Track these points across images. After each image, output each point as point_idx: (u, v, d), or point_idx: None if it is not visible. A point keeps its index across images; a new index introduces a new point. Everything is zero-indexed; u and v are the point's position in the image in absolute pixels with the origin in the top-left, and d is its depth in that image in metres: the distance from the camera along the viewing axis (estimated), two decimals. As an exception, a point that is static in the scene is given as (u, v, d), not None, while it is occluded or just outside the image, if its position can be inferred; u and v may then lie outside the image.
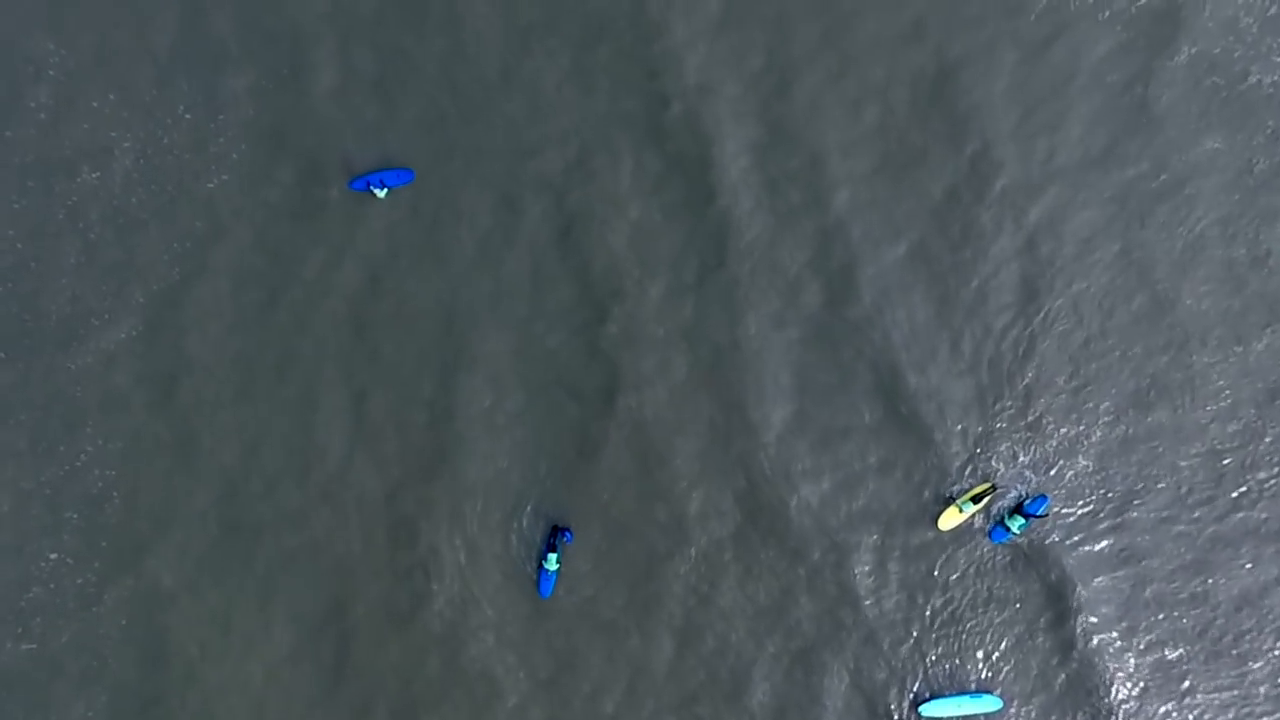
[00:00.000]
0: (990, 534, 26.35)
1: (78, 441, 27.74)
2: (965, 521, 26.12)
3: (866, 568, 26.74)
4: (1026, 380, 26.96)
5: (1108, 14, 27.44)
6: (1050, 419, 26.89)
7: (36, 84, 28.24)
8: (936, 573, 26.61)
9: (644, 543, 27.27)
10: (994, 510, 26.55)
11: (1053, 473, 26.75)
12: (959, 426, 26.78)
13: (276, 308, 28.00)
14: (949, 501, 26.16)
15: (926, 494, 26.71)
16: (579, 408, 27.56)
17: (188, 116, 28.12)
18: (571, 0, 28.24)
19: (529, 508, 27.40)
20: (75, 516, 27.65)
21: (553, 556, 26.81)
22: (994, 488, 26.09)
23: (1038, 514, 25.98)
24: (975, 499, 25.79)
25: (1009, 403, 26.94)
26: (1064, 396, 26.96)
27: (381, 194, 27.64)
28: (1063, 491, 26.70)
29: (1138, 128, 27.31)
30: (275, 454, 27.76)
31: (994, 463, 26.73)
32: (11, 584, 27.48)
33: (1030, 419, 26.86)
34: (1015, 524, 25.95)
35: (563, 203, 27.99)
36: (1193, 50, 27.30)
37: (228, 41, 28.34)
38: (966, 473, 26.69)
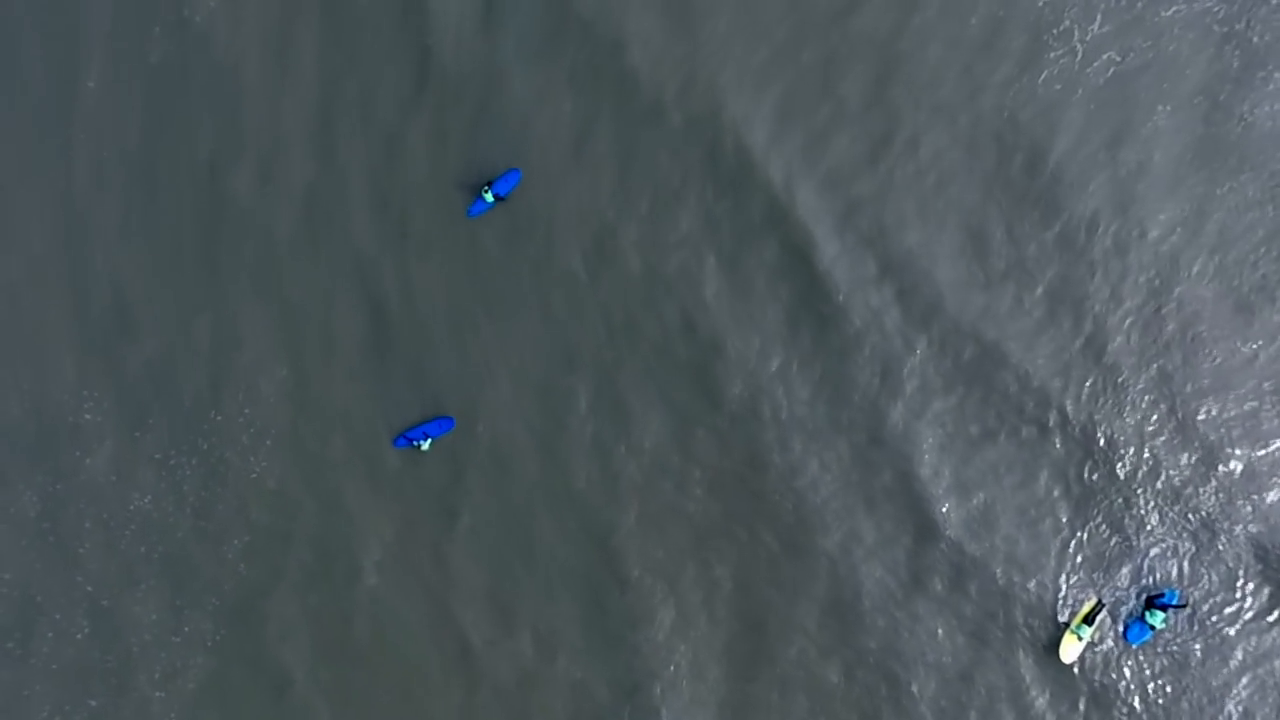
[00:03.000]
0: (1126, 636, 25.36)
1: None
2: (1086, 647, 25.36)
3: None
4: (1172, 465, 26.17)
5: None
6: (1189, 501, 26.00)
7: (90, 443, 28.80)
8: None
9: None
10: (1123, 612, 25.67)
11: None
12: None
13: (359, 578, 28.06)
14: (1062, 630, 25.46)
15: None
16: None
17: (219, 419, 28.52)
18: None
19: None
20: None
21: None
22: (1100, 602, 25.36)
23: (1175, 604, 25.04)
24: (1087, 619, 25.05)
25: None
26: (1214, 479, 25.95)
27: (425, 446, 27.84)
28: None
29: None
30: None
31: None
32: None
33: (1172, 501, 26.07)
34: (1157, 619, 24.91)
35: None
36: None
37: (253, 333, 28.80)
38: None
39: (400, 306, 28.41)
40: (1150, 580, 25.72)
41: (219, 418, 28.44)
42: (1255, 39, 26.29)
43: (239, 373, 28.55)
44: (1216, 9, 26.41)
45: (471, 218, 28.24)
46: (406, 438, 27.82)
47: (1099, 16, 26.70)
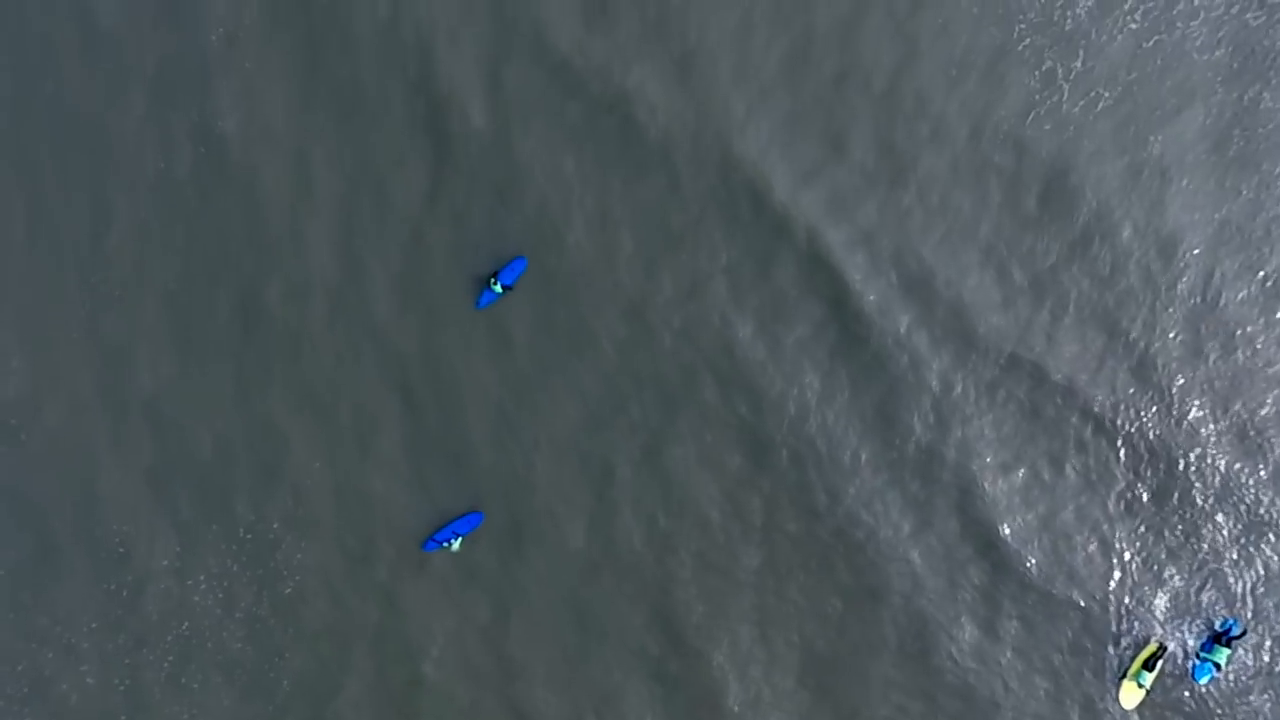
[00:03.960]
0: (1193, 675, 24.80)
1: None
2: (1148, 694, 24.86)
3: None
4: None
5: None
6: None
7: (120, 562, 28.98)
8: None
9: None
10: (1188, 650, 25.20)
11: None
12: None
13: (419, 676, 27.78)
14: (1121, 676, 24.96)
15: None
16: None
17: (248, 537, 28.64)
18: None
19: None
20: None
21: None
22: (1162, 646, 24.87)
23: (1237, 635, 24.58)
24: (1147, 665, 24.57)
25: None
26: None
27: (456, 546, 27.70)
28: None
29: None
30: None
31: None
32: None
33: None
34: (1222, 656, 24.45)
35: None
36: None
37: (285, 443, 28.86)
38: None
39: (431, 401, 28.47)
40: (1212, 613, 25.32)
41: (248, 536, 28.51)
42: (1235, 64, 26.43)
43: (274, 484, 28.61)
44: (1196, 36, 26.58)
45: (480, 309, 28.50)
46: (435, 540, 27.74)
47: (1081, 54, 26.98)
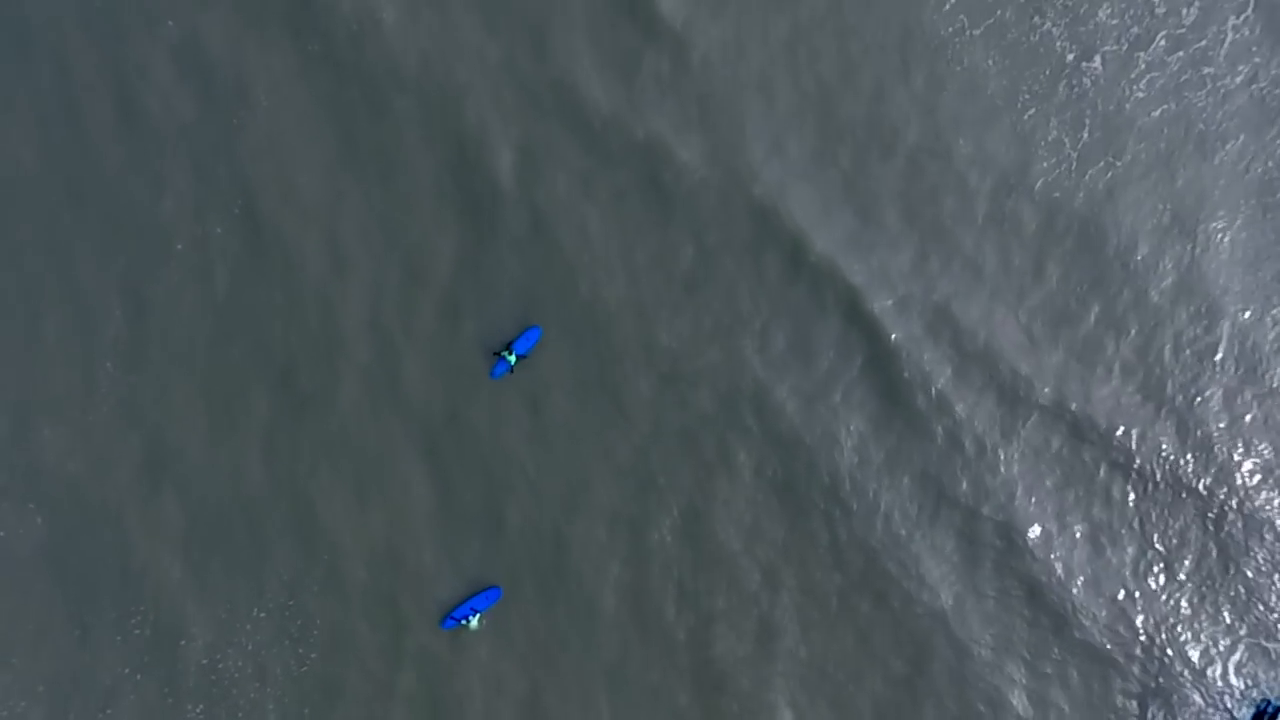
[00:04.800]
0: None
1: None
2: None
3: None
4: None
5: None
6: None
7: (148, 642, 28.74)
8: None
9: None
10: None
11: None
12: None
13: None
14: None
15: None
16: None
17: (262, 615, 28.32)
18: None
19: None
20: None
21: None
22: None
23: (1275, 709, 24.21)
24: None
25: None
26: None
27: (474, 623, 27.46)
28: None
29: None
30: None
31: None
32: None
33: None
34: None
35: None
36: None
37: (317, 519, 28.67)
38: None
39: (459, 469, 28.36)
40: (1253, 688, 24.97)
41: (262, 615, 28.23)
42: (1242, 136, 26.83)
43: (303, 556, 28.36)
44: (1200, 105, 26.96)
45: (494, 379, 28.61)
46: (453, 618, 27.53)
47: (1087, 124, 27.32)
